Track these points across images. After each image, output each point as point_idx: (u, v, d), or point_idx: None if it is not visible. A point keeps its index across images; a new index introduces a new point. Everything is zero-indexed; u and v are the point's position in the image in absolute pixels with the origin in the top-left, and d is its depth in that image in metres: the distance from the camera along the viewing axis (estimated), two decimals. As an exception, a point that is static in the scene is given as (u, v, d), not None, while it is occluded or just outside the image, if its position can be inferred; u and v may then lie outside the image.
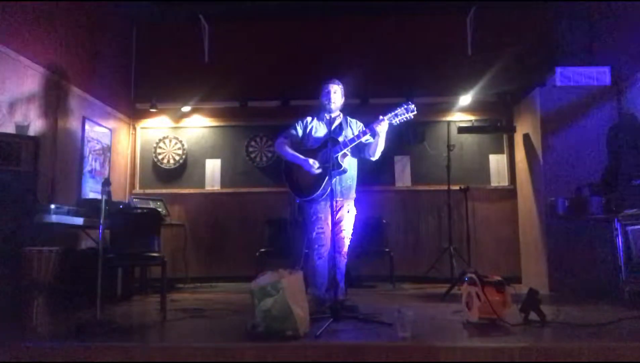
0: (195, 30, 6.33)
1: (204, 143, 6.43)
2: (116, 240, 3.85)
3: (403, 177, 6.21)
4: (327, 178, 3.41)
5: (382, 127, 3.49)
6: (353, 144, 3.54)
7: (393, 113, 3.51)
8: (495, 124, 5.94)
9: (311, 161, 3.53)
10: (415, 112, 3.50)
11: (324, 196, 3.50)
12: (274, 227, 5.83)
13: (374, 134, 3.55)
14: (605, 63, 5.12)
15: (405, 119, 3.51)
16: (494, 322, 2.92)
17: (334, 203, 3.34)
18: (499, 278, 3.07)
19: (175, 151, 6.36)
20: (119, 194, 5.97)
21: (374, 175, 5.60)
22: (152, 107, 6.26)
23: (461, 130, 5.84)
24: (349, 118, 3.80)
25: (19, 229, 3.37)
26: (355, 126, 3.76)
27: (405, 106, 3.51)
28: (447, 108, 6.24)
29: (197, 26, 6.31)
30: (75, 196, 5.07)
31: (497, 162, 6.17)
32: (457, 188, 5.53)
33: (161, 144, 6.39)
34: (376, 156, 3.67)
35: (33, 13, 4.42)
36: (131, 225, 3.98)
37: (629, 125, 4.41)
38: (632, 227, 3.83)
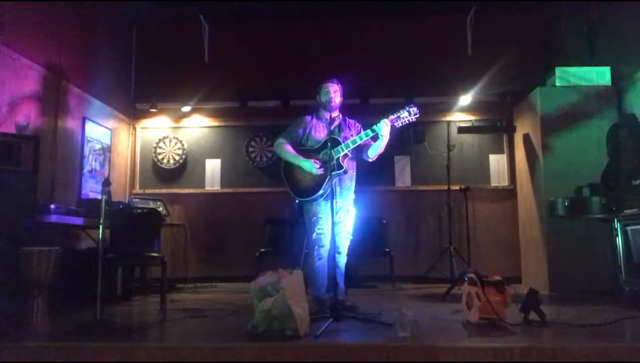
0: (195, 30, 6.33)
1: (204, 143, 6.43)
2: (116, 240, 3.85)
3: (403, 177, 6.21)
4: (327, 178, 3.40)
5: (385, 130, 3.49)
6: (355, 145, 3.53)
7: (396, 115, 3.50)
8: (495, 124, 5.95)
9: (312, 161, 3.52)
10: (418, 115, 3.50)
11: (324, 197, 3.50)
12: (274, 227, 5.83)
13: (375, 136, 3.54)
14: (605, 63, 5.12)
15: (408, 122, 3.52)
16: (494, 322, 2.92)
17: (334, 203, 3.34)
18: (499, 278, 3.07)
19: (175, 151, 6.36)
20: (119, 194, 5.97)
21: (374, 175, 5.59)
22: (152, 107, 6.26)
23: (461, 130, 5.84)
24: (347, 119, 3.80)
25: (19, 229, 3.37)
26: (353, 127, 3.76)
27: (409, 109, 3.50)
28: (447, 108, 6.24)
29: (197, 26, 6.31)
30: (75, 196, 5.07)
31: (497, 162, 6.17)
32: (457, 188, 5.53)
33: (161, 144, 6.39)
34: (374, 158, 3.67)
35: (33, 13, 4.42)
36: (131, 225, 3.98)
37: (629, 125, 4.41)
38: (632, 227, 3.83)
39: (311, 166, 3.51)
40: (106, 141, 5.76)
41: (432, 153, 6.11)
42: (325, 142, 3.51)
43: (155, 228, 4.10)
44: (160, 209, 5.48)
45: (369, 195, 5.05)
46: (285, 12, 6.24)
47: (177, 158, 6.35)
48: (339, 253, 3.59)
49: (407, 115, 3.50)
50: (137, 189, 6.29)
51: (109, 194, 3.38)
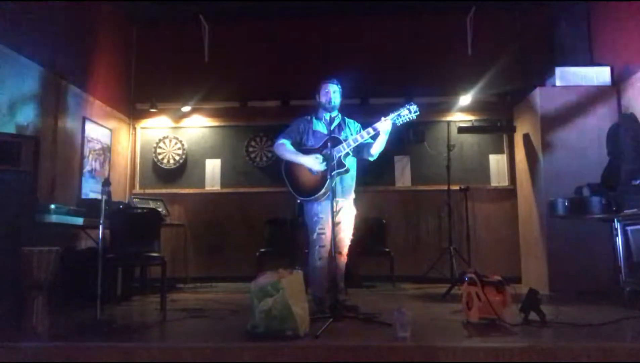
0: (195, 30, 6.33)
1: (204, 143, 6.43)
2: (116, 240, 3.85)
3: (403, 177, 6.22)
4: (328, 177, 3.40)
5: (385, 128, 3.49)
6: (356, 144, 3.53)
7: (396, 113, 3.50)
8: (495, 124, 5.94)
9: (314, 156, 3.51)
10: (418, 113, 3.49)
11: (325, 196, 3.50)
12: (274, 227, 5.84)
13: (375, 135, 3.54)
14: (605, 63, 5.12)
15: (408, 119, 3.51)
16: (494, 322, 2.92)
17: (335, 203, 3.34)
18: (499, 278, 3.07)
19: (175, 151, 6.36)
20: (119, 194, 5.97)
21: (374, 175, 5.60)
22: (152, 107, 6.26)
23: (461, 130, 5.83)
24: (346, 118, 3.80)
25: (19, 229, 3.37)
26: (353, 126, 3.76)
27: (409, 107, 3.49)
28: (447, 108, 6.24)
29: (197, 26, 6.31)
30: (75, 196, 5.07)
31: (497, 162, 6.18)
32: (457, 188, 5.53)
33: (161, 144, 6.39)
34: (375, 156, 3.66)
35: (33, 13, 4.42)
36: (131, 225, 3.98)
37: (629, 125, 4.41)
38: (632, 227, 3.83)
39: (314, 162, 3.50)
40: (106, 141, 5.76)
41: (432, 152, 6.11)
42: (326, 141, 3.51)
43: (155, 228, 4.10)
44: (160, 209, 5.48)
45: (369, 195, 5.06)
46: (285, 12, 6.24)
47: (177, 158, 6.35)
48: (340, 253, 3.59)
49: (408, 113, 3.49)
50: (137, 189, 6.29)
51: (109, 194, 3.38)
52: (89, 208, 4.32)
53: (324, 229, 3.52)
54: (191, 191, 6.30)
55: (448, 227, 5.44)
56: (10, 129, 4.04)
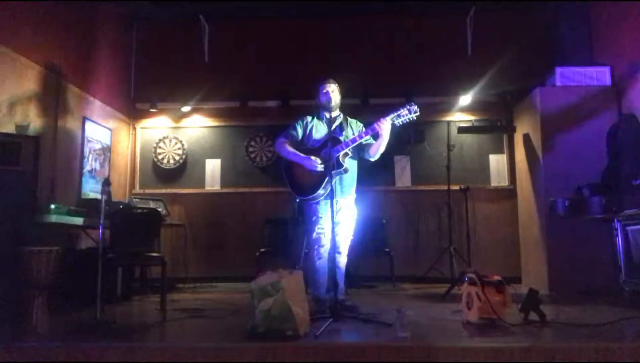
0: (195, 30, 6.33)
1: (204, 143, 6.43)
2: (116, 240, 3.85)
3: (403, 177, 6.21)
4: (328, 177, 3.40)
5: (385, 128, 3.48)
6: (355, 144, 3.53)
7: (396, 114, 3.49)
8: (495, 124, 5.94)
9: (313, 158, 3.52)
10: (418, 113, 3.48)
11: (324, 196, 3.50)
12: (274, 227, 5.83)
13: (376, 135, 3.54)
14: (605, 63, 5.12)
15: (408, 120, 3.50)
16: (494, 322, 2.92)
17: (334, 202, 3.34)
18: (499, 278, 3.07)
19: (175, 151, 6.36)
20: (119, 194, 5.97)
21: (374, 175, 5.59)
22: (152, 107, 6.26)
23: (461, 130, 5.83)
24: (348, 118, 3.80)
25: (19, 229, 3.36)
26: (355, 126, 3.75)
27: (409, 107, 3.48)
28: (447, 108, 6.24)
29: (197, 26, 6.31)
30: (75, 196, 5.07)
31: (497, 162, 6.17)
32: (457, 188, 5.53)
33: (161, 144, 6.39)
34: (376, 157, 3.66)
35: (33, 13, 4.42)
36: (131, 225, 3.98)
37: (629, 125, 4.41)
38: (632, 227, 3.83)
39: (311, 164, 3.51)
40: (106, 141, 5.76)
41: (432, 152, 6.11)
42: (326, 141, 3.52)
43: (155, 228, 4.11)
44: (160, 209, 5.48)
45: (369, 195, 5.04)
46: (285, 12, 6.24)
47: (177, 158, 6.35)
48: (339, 253, 3.59)
49: (407, 113, 3.47)
50: (137, 189, 6.29)
51: (109, 194, 3.38)
52: (89, 208, 4.32)
53: (323, 228, 3.52)
54: (191, 191, 6.30)
55: (448, 227, 5.44)
56: (10, 129, 4.04)
